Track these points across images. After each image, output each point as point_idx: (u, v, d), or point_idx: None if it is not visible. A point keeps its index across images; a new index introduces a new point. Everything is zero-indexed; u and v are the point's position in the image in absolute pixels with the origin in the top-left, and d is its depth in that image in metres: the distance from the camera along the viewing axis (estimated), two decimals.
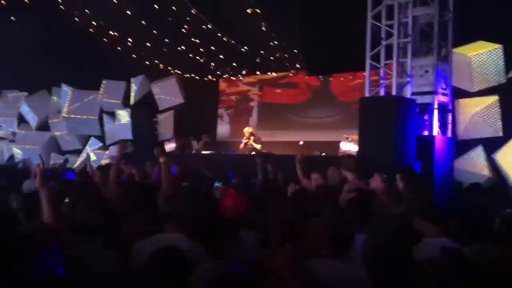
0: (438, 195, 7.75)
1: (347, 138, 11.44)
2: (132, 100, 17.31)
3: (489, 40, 9.59)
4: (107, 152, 16.98)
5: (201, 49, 15.96)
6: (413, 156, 8.11)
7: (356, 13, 9.54)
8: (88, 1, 14.50)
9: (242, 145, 13.74)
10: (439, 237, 3.87)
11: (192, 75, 18.60)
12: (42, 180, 3.79)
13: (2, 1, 14.55)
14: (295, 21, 12.19)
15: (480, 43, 9.62)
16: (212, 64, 17.37)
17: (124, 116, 17.11)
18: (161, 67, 17.70)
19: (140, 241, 3.67)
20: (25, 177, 7.95)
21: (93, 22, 14.95)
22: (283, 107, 18.50)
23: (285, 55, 15.53)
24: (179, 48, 15.82)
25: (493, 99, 9.72)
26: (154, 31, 15.12)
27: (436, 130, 8.80)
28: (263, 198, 5.50)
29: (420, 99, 8.76)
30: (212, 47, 15.66)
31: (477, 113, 9.72)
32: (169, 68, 17.84)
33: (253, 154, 13.27)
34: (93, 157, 16.31)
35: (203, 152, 14.42)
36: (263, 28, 13.84)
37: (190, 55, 16.28)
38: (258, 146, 13.41)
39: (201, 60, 16.74)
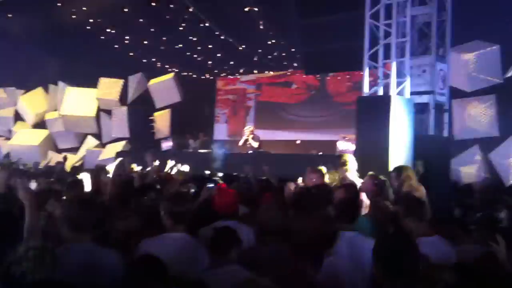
0: (434, 194, 7.74)
1: (344, 138, 11.47)
2: (129, 98, 17.30)
3: (486, 40, 9.62)
4: (103, 149, 16.95)
5: (198, 48, 15.93)
6: (410, 155, 8.11)
7: (354, 13, 9.54)
8: None
9: (241, 142, 13.73)
10: (431, 236, 3.90)
11: (190, 73, 18.58)
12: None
13: None
14: (292, 20, 12.19)
15: (477, 43, 9.65)
16: (210, 62, 17.35)
17: (121, 114, 17.09)
18: (158, 65, 17.69)
19: (146, 240, 3.66)
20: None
21: (90, 20, 14.90)
22: (280, 106, 18.50)
23: (283, 54, 15.53)
24: (176, 46, 15.79)
25: (490, 99, 9.76)
26: (152, 29, 15.09)
27: (433, 130, 8.80)
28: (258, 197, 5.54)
29: (417, 99, 8.76)
30: (210, 46, 15.63)
31: (474, 113, 9.75)
32: (166, 66, 17.83)
33: (250, 152, 13.28)
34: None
35: (200, 150, 14.42)
36: (261, 27, 13.81)
37: (187, 53, 16.25)
38: (255, 144, 13.40)
39: (198, 58, 16.72)
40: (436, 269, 2.91)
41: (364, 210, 4.99)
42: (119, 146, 16.42)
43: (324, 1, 11.09)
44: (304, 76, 17.37)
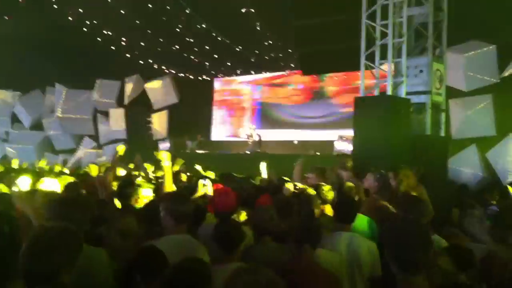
0: (431, 194, 7.76)
1: (341, 138, 11.50)
2: (126, 100, 17.30)
3: (482, 40, 9.64)
4: (100, 151, 16.95)
5: (195, 49, 15.94)
6: (408, 155, 8.13)
7: (350, 13, 9.56)
8: (82, 0, 14.45)
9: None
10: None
11: (186, 74, 18.59)
12: None
13: None
14: (289, 21, 12.21)
15: (474, 43, 9.68)
16: (207, 63, 17.37)
17: (118, 115, 17.09)
18: (155, 66, 17.69)
19: (153, 242, 3.65)
20: None
21: (87, 22, 14.90)
22: (278, 106, 18.51)
23: (280, 54, 15.55)
24: (173, 48, 15.80)
25: (487, 98, 9.78)
26: (148, 31, 15.09)
27: (430, 130, 8.82)
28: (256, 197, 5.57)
29: (414, 99, 8.78)
30: (206, 47, 15.65)
31: (471, 112, 9.78)
32: (163, 67, 17.83)
33: (247, 153, 13.33)
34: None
35: (198, 151, 14.46)
36: (258, 28, 13.83)
37: (184, 54, 16.26)
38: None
39: (195, 59, 16.73)
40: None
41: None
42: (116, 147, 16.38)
43: (321, 1, 11.12)
44: (302, 76, 17.39)
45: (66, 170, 9.34)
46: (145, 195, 5.06)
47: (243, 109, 19.53)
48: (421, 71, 8.74)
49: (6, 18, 14.92)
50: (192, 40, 15.34)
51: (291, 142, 15.91)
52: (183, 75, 18.38)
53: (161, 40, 15.58)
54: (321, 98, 17.61)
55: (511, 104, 9.57)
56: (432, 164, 8.26)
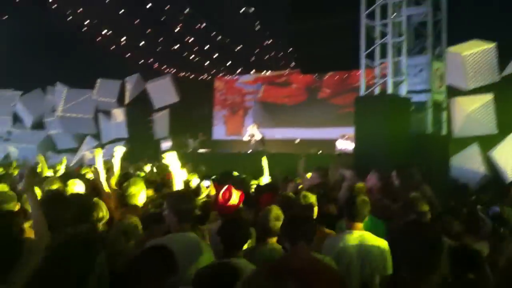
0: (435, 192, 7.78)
1: (343, 136, 11.53)
2: (127, 99, 17.33)
3: (482, 39, 9.66)
4: (103, 150, 16.98)
5: (195, 48, 15.96)
6: (409, 154, 8.15)
7: (350, 12, 9.57)
8: (82, 0, 14.48)
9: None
10: None
11: (187, 74, 18.62)
12: (29, 184, 3.60)
13: None
14: (288, 20, 12.23)
15: (474, 42, 9.69)
16: (207, 63, 17.39)
17: (119, 114, 17.13)
18: (155, 66, 17.71)
19: (153, 241, 3.68)
20: None
21: (87, 21, 14.93)
22: (279, 105, 18.52)
23: (279, 54, 15.57)
24: (173, 47, 15.82)
25: (488, 97, 9.80)
26: (148, 30, 15.12)
27: (431, 128, 8.85)
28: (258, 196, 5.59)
29: (415, 98, 8.80)
30: (206, 46, 15.67)
31: (472, 111, 9.79)
32: (163, 67, 17.86)
33: (249, 152, 13.35)
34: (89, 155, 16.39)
35: (200, 150, 14.49)
36: (257, 27, 13.85)
37: (184, 54, 16.28)
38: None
39: (195, 59, 16.75)
40: None
41: None
42: (118, 146, 16.41)
43: (320, 1, 11.14)
44: (302, 76, 17.41)
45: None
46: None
47: (244, 108, 19.55)
48: (421, 70, 8.77)
49: (7, 17, 14.91)
50: (192, 40, 15.35)
51: (292, 140, 15.90)
52: (183, 74, 18.38)
53: (161, 39, 15.60)
54: (321, 98, 17.59)
55: None
56: (433, 163, 8.30)
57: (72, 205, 3.61)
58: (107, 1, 13.99)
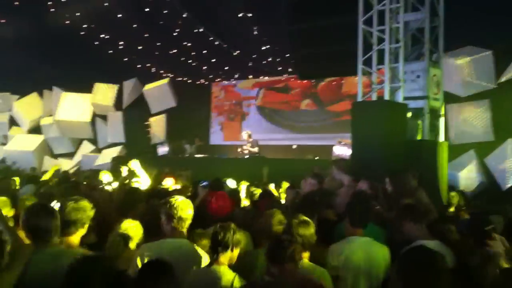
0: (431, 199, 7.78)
1: (340, 142, 11.51)
2: (124, 103, 17.32)
3: (479, 45, 9.68)
4: (99, 155, 16.96)
5: (192, 53, 15.96)
6: (405, 160, 8.15)
7: (347, 19, 9.59)
8: (79, 3, 14.47)
9: (240, 149, 13.87)
10: (430, 240, 3.94)
11: (184, 78, 18.61)
12: None
13: None
14: (286, 25, 12.23)
15: (471, 48, 9.72)
16: (204, 67, 17.39)
17: (116, 119, 17.10)
18: (153, 70, 17.70)
19: (147, 244, 3.70)
20: None
21: (85, 25, 14.92)
22: (276, 111, 18.52)
23: (277, 59, 15.56)
24: (170, 52, 15.82)
25: (484, 104, 9.82)
26: (146, 34, 15.10)
27: (427, 135, 8.85)
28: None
29: (412, 104, 8.81)
30: (204, 51, 15.67)
31: (469, 118, 9.81)
32: (161, 71, 17.85)
33: (246, 157, 13.33)
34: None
35: (196, 155, 14.47)
36: (254, 33, 13.86)
37: (182, 58, 16.27)
38: (255, 149, 13.49)
39: (193, 63, 16.75)
40: None
41: None
42: (115, 151, 16.43)
43: (317, 6, 11.15)
44: (299, 81, 17.42)
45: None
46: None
47: (241, 114, 19.54)
48: (418, 76, 8.77)
49: (3, 20, 14.90)
50: (189, 44, 15.35)
51: (289, 146, 15.91)
52: (181, 79, 18.38)
53: (159, 44, 15.59)
54: (318, 105, 17.57)
55: (508, 109, 9.61)
56: (429, 169, 8.30)
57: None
58: (105, 5, 13.97)
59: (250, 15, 13.16)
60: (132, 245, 3.99)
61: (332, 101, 17.07)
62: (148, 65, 17.31)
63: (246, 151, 13.50)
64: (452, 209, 7.57)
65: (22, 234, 3.46)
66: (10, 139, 18.62)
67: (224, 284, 3.27)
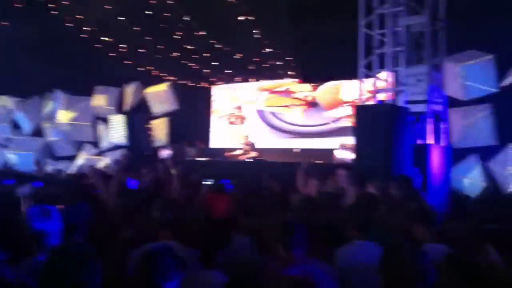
0: (434, 203, 7.79)
1: (342, 146, 11.53)
2: (126, 106, 17.33)
3: (480, 49, 9.67)
4: (102, 158, 16.96)
5: (194, 56, 15.97)
6: (408, 164, 8.17)
7: (349, 21, 9.61)
8: (81, 6, 14.48)
9: (238, 152, 13.86)
10: (437, 243, 3.94)
11: (186, 81, 18.61)
12: None
13: None
14: (287, 29, 12.25)
15: (472, 52, 9.70)
16: (206, 70, 17.40)
17: (118, 122, 17.11)
18: (154, 73, 17.70)
19: (135, 250, 3.68)
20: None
21: (86, 28, 14.94)
22: (278, 114, 18.48)
23: (278, 62, 15.56)
24: (172, 55, 15.83)
25: (486, 108, 9.81)
26: (147, 37, 15.12)
27: (430, 139, 8.86)
28: (258, 204, 5.58)
29: (413, 108, 8.82)
30: (205, 54, 15.68)
31: (471, 122, 9.80)
32: (162, 74, 17.85)
33: (248, 160, 13.34)
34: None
35: (198, 158, 14.47)
36: (256, 36, 13.86)
37: (183, 61, 16.28)
38: (254, 154, 13.49)
39: (194, 66, 16.76)
40: None
41: None
42: (117, 154, 16.44)
43: (318, 10, 11.17)
44: (301, 85, 17.40)
45: None
46: None
47: (243, 116, 19.52)
48: (419, 80, 8.79)
49: (5, 23, 14.92)
50: (191, 47, 15.36)
51: (291, 150, 15.88)
52: (182, 82, 18.38)
53: (160, 47, 15.60)
54: (319, 109, 17.52)
55: (511, 113, 9.60)
56: (433, 174, 8.31)
57: None
58: (106, 8, 13.99)
59: (251, 18, 13.17)
60: None
61: (332, 106, 17.01)
62: (149, 68, 17.31)
63: (246, 154, 13.52)
64: None
65: None
66: (12, 141, 18.61)
67: None
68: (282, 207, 5.51)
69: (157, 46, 15.54)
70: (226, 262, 3.56)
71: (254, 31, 13.70)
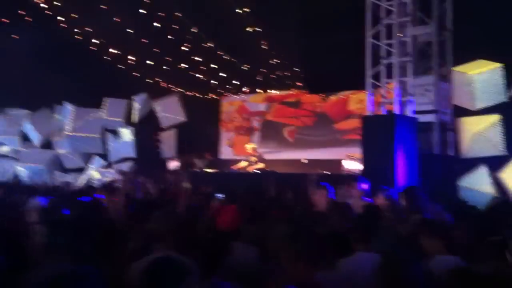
0: (442, 213, 7.71)
1: (350, 157, 11.48)
2: (134, 118, 17.38)
3: (488, 59, 9.61)
4: (111, 170, 17.00)
5: (202, 67, 16.04)
6: (416, 174, 8.11)
7: (356, 32, 9.61)
8: (89, 19, 14.60)
9: (244, 164, 13.84)
10: (444, 254, 3.89)
11: (194, 93, 18.67)
12: None
13: (4, 19, 14.69)
14: (295, 40, 12.27)
15: (480, 62, 9.64)
16: (214, 82, 17.46)
17: (127, 134, 17.15)
18: (162, 85, 17.79)
19: (136, 262, 3.66)
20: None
21: (95, 40, 15.06)
22: (286, 125, 18.47)
23: (286, 73, 15.60)
24: (180, 66, 15.91)
25: (495, 117, 9.71)
26: (155, 49, 15.21)
27: (438, 149, 8.80)
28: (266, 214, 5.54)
29: (422, 118, 8.77)
30: (213, 65, 15.74)
31: (480, 131, 9.69)
32: (170, 86, 17.92)
33: (256, 172, 13.31)
34: (97, 175, 16.45)
35: (206, 170, 14.48)
36: (264, 47, 13.91)
37: (191, 73, 16.36)
38: (261, 165, 13.47)
39: (202, 78, 16.83)
40: None
41: None
42: (126, 166, 16.48)
43: (326, 21, 11.19)
44: (308, 96, 17.40)
45: None
46: None
47: (252, 127, 19.53)
48: (427, 90, 8.75)
49: (14, 36, 15.08)
50: (199, 59, 15.44)
51: (298, 160, 15.84)
52: (190, 93, 18.45)
53: (168, 58, 15.69)
54: (327, 122, 17.48)
55: None
56: (440, 184, 8.25)
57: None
58: (115, 20, 14.11)
59: (259, 29, 13.22)
60: None
61: (340, 118, 16.98)
62: (158, 79, 17.39)
63: (253, 165, 13.50)
64: None
65: None
66: (22, 154, 18.71)
67: None
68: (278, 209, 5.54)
69: (165, 58, 15.62)
70: (228, 271, 3.53)
71: (261, 42, 13.75)
